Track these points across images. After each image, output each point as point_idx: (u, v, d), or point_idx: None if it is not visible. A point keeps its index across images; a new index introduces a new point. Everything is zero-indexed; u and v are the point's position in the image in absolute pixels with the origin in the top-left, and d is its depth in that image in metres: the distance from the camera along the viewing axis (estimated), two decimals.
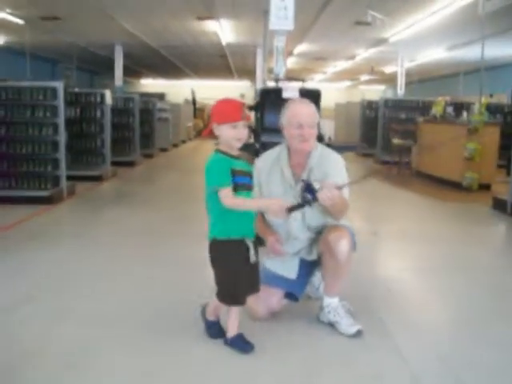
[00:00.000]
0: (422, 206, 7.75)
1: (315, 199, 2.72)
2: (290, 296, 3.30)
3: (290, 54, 17.81)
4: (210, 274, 2.90)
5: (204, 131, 3.08)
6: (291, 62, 20.50)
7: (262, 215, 3.21)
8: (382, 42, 14.84)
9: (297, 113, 3.07)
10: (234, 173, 2.68)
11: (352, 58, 18.94)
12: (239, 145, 2.76)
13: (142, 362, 2.75)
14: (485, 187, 8.69)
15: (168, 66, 23.28)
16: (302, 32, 13.73)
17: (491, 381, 2.71)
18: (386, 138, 12.86)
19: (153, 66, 23.84)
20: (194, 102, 26.01)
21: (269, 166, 3.21)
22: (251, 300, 2.96)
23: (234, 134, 2.71)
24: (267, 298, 3.17)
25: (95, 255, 4.72)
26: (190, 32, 14.94)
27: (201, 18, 13.06)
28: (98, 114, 9.46)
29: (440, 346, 3.07)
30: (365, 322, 3.19)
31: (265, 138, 4.87)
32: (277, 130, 4.84)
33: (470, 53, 14.74)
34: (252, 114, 5.16)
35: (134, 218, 6.38)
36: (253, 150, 4.69)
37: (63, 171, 7.32)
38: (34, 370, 2.64)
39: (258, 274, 2.88)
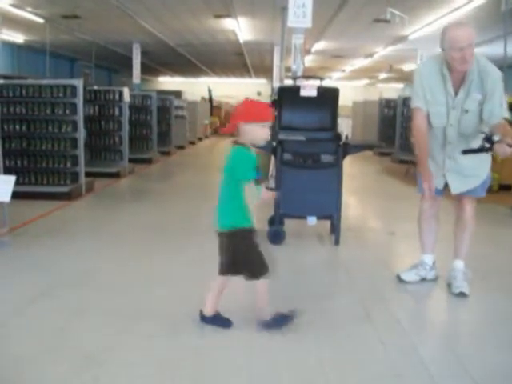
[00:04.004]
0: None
1: (491, 149, 3.24)
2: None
3: (308, 51, 17.76)
4: None
5: (225, 128, 3.16)
6: (309, 60, 20.45)
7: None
8: (401, 39, 14.75)
9: (457, 37, 3.43)
10: (255, 169, 2.90)
11: (370, 55, 18.86)
12: (263, 143, 2.99)
13: (160, 355, 2.76)
14: (506, 188, 8.58)
15: (185, 64, 23.38)
16: (320, 30, 13.70)
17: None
18: (404, 136, 12.75)
19: (170, 63, 23.95)
20: (210, 99, 26.06)
21: (434, 76, 3.66)
22: None
23: (261, 133, 2.94)
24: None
25: (113, 251, 4.75)
26: (208, 30, 14.98)
27: (219, 17, 13.10)
28: (116, 111, 9.52)
29: (457, 348, 3.05)
30: (381, 322, 3.17)
31: (282, 136, 4.86)
32: (294, 128, 4.86)
33: (493, 50, 14.57)
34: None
35: (151, 214, 6.42)
36: (270, 148, 4.68)
37: (82, 168, 7.38)
38: (53, 365, 2.66)
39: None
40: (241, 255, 3.02)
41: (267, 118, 2.98)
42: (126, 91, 9.64)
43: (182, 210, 6.68)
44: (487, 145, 3.23)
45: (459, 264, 3.93)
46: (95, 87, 10.00)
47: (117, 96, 9.54)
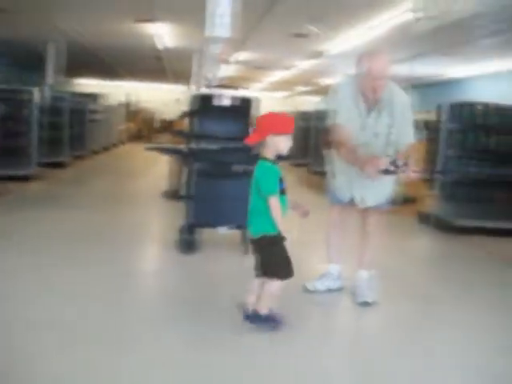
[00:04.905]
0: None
1: (396, 173, 3.46)
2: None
3: (228, 61, 17.84)
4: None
5: (251, 138, 3.24)
6: (231, 70, 20.54)
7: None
8: (318, 54, 15.10)
9: (372, 68, 3.59)
10: (280, 180, 3.17)
11: (289, 68, 19.19)
12: (285, 153, 3.20)
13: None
14: (411, 201, 8.96)
15: (103, 67, 22.81)
16: (240, 40, 13.78)
17: None
18: (318, 148, 13.03)
19: (88, 65, 23.28)
20: (128, 104, 25.59)
21: (349, 96, 3.80)
22: None
23: (286, 145, 3.17)
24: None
25: (13, 261, 4.52)
26: (128, 34, 14.70)
27: (139, 21, 12.88)
28: (26, 112, 9.13)
29: (359, 355, 3.13)
30: (286, 331, 3.22)
31: (195, 144, 4.83)
32: (208, 137, 4.85)
33: (402, 70, 15.24)
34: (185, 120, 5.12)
35: (59, 219, 6.17)
36: (181, 156, 4.64)
37: None
38: None
39: None
40: (268, 259, 3.25)
41: (292, 131, 3.20)
42: (36, 92, 9.28)
43: (93, 217, 6.48)
44: (392, 168, 3.40)
45: (363, 274, 4.07)
46: (3, 86, 9.55)
47: (27, 96, 9.15)
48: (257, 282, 3.35)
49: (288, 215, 3.30)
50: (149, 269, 4.77)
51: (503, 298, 4.46)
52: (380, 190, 3.95)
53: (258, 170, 3.19)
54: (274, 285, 3.26)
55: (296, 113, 15.99)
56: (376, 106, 3.77)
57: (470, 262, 5.75)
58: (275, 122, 3.17)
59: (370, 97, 3.73)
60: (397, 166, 3.42)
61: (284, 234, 3.22)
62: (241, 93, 5.19)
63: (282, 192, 3.21)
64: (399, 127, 3.74)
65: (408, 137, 3.78)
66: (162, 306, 3.73)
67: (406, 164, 3.42)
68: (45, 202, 7.43)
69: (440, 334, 3.57)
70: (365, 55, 3.72)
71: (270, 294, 3.29)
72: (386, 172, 3.47)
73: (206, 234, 5.31)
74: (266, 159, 3.18)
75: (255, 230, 3.25)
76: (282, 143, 3.15)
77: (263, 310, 3.28)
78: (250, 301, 3.33)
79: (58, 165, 11.12)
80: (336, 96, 3.89)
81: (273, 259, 3.27)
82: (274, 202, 3.12)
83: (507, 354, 3.32)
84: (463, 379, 2.95)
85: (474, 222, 7.13)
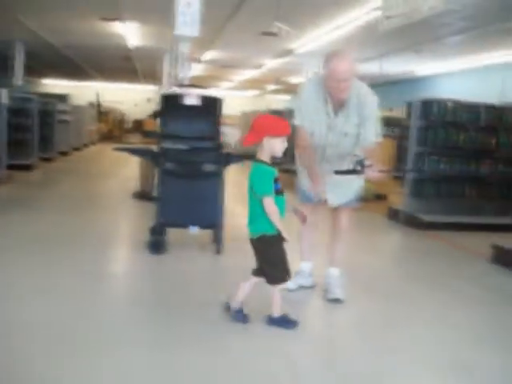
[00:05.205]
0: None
1: (362, 172, 3.44)
2: None
3: (198, 60, 17.79)
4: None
5: (247, 140, 3.27)
6: (200, 69, 20.48)
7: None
8: (287, 53, 15.15)
9: (337, 70, 3.56)
10: (275, 180, 3.21)
11: (259, 67, 19.21)
12: (280, 155, 3.26)
13: None
14: (381, 198, 9.07)
15: (72, 67, 22.53)
16: (209, 39, 13.76)
17: None
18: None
19: (56, 66, 22.98)
20: (98, 104, 25.32)
21: (316, 96, 3.77)
22: None
23: (281, 147, 3.23)
24: None
25: None
26: (95, 33, 14.53)
27: (106, 20, 12.74)
28: None
29: (329, 352, 3.15)
30: (257, 329, 3.22)
31: (165, 145, 4.80)
32: (177, 137, 4.83)
33: (371, 68, 15.39)
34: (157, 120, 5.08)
35: (27, 222, 6.07)
36: (150, 156, 4.61)
37: None
38: None
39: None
40: (265, 259, 3.34)
41: (289, 133, 3.24)
42: (3, 93, 9.11)
43: (63, 221, 6.38)
44: (359, 168, 3.45)
45: (334, 271, 4.10)
46: None
47: None
48: (252, 280, 3.41)
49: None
50: (119, 270, 4.72)
51: (470, 293, 4.53)
52: (348, 189, 3.98)
53: (252, 171, 3.25)
54: (275, 289, 3.37)
55: (267, 111, 16.00)
56: (345, 107, 3.77)
57: (437, 257, 5.84)
58: (271, 125, 3.23)
59: (336, 98, 3.73)
60: (363, 166, 3.45)
61: (284, 234, 3.27)
62: (207, 92, 5.16)
63: (279, 192, 3.25)
64: (366, 127, 3.76)
65: (374, 136, 3.79)
66: (134, 307, 3.69)
67: (371, 164, 3.45)
68: (13, 205, 7.29)
69: (408, 331, 3.61)
70: (330, 56, 3.69)
71: (277, 297, 3.38)
72: (353, 172, 3.50)
73: (176, 234, 5.28)
74: (261, 161, 3.24)
75: (254, 230, 3.31)
76: (277, 145, 3.21)
77: (275, 313, 3.39)
78: (237, 297, 3.42)
79: (26, 167, 10.94)
80: (303, 96, 3.87)
81: (270, 259, 3.34)
82: (269, 202, 3.18)
83: (476, 348, 3.38)
84: (433, 375, 2.99)
85: (443, 218, 7.24)
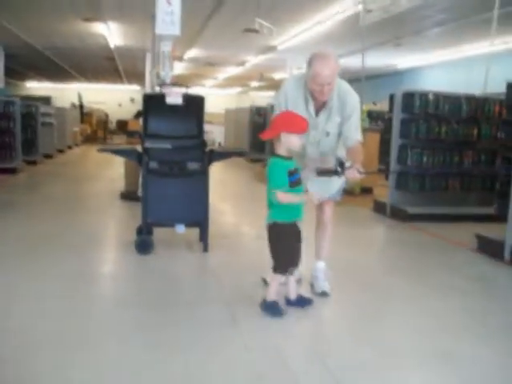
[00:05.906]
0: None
1: (343, 173, 3.47)
2: None
3: (180, 59, 17.76)
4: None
5: (265, 134, 3.48)
6: (182, 68, 20.45)
7: None
8: (270, 49, 15.20)
9: (320, 74, 3.55)
10: (289, 173, 3.33)
11: (242, 64, 19.23)
12: (297, 150, 3.44)
13: None
14: (367, 191, 9.13)
15: (54, 69, 22.41)
16: (191, 37, 13.76)
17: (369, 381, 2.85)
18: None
19: (38, 68, 22.84)
20: (81, 106, 25.17)
21: (298, 94, 3.78)
22: None
23: (298, 143, 3.38)
24: None
25: None
26: (77, 34, 14.48)
27: (87, 20, 12.69)
28: None
29: (318, 345, 3.19)
30: (247, 325, 3.24)
31: (149, 144, 4.80)
32: (160, 136, 4.83)
33: (354, 62, 15.48)
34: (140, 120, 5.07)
35: (13, 226, 6.05)
36: (135, 157, 4.61)
37: None
38: None
39: (301, 250, 3.55)
40: (273, 246, 3.49)
41: (305, 130, 3.36)
42: None
43: (50, 223, 6.36)
44: (339, 169, 3.50)
45: (320, 265, 4.13)
46: None
47: None
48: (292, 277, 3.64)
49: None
50: (107, 271, 4.72)
51: (453, 283, 4.59)
52: (331, 183, 3.99)
53: (268, 165, 3.42)
54: (274, 276, 3.53)
55: (251, 108, 16.02)
56: (327, 107, 3.77)
57: (421, 248, 5.90)
58: (287, 122, 3.37)
59: (318, 99, 3.73)
60: (343, 168, 3.47)
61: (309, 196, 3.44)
62: (189, 91, 5.15)
63: (295, 184, 3.37)
64: (347, 126, 3.76)
65: (355, 135, 3.78)
66: (122, 307, 3.69)
67: (351, 166, 3.47)
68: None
69: (392, 322, 3.66)
70: (314, 58, 3.64)
71: (273, 283, 3.55)
72: (335, 173, 3.52)
73: (164, 234, 5.29)
74: (277, 155, 3.39)
75: (268, 217, 3.49)
76: (293, 141, 3.34)
77: (268, 298, 3.53)
78: (287, 289, 3.66)
79: (11, 170, 10.87)
80: (285, 94, 3.85)
81: (277, 248, 3.50)
82: (280, 194, 3.32)
83: (459, 336, 3.43)
84: (418, 363, 3.04)
85: (428, 209, 7.32)
